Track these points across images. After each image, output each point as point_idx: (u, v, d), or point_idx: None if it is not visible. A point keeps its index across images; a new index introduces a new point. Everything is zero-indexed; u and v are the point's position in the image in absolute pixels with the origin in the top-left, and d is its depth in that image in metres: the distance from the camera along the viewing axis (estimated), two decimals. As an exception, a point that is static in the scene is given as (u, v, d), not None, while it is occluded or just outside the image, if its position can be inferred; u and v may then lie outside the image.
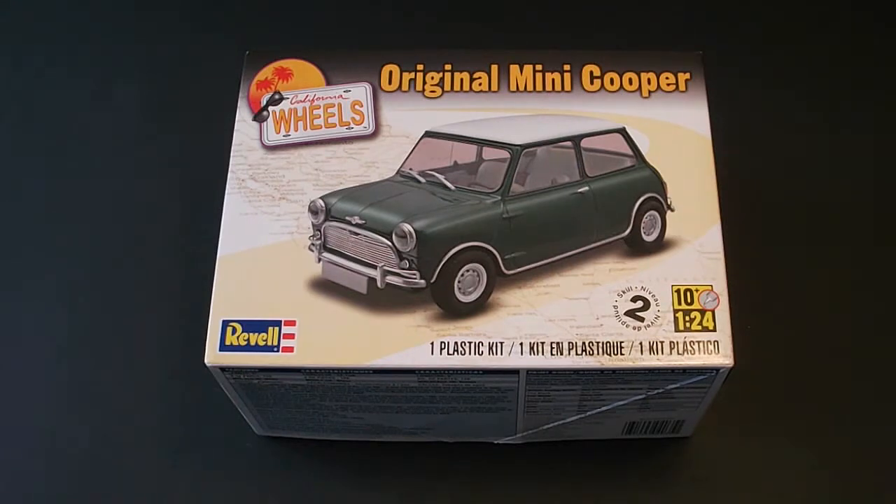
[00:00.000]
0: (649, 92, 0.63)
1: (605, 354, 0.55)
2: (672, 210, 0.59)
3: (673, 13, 0.84)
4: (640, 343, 0.56)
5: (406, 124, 0.62)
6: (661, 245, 0.58)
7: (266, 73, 0.64)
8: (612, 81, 0.63)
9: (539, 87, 0.63)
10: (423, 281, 0.57)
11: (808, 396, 0.68)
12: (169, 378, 0.70)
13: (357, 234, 0.59)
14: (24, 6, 0.86)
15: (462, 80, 0.63)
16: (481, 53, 0.64)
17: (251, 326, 0.56)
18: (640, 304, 0.56)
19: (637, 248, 0.59)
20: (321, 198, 0.59)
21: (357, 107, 0.62)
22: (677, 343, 0.56)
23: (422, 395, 0.59)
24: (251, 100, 0.63)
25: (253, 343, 0.56)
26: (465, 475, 0.66)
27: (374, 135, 0.62)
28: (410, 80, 0.63)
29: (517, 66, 0.63)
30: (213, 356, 0.56)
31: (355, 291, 0.57)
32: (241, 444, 0.68)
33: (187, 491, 0.67)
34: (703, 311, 0.56)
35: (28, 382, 0.70)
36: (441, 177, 0.61)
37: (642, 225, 0.61)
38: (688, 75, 0.63)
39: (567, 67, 0.63)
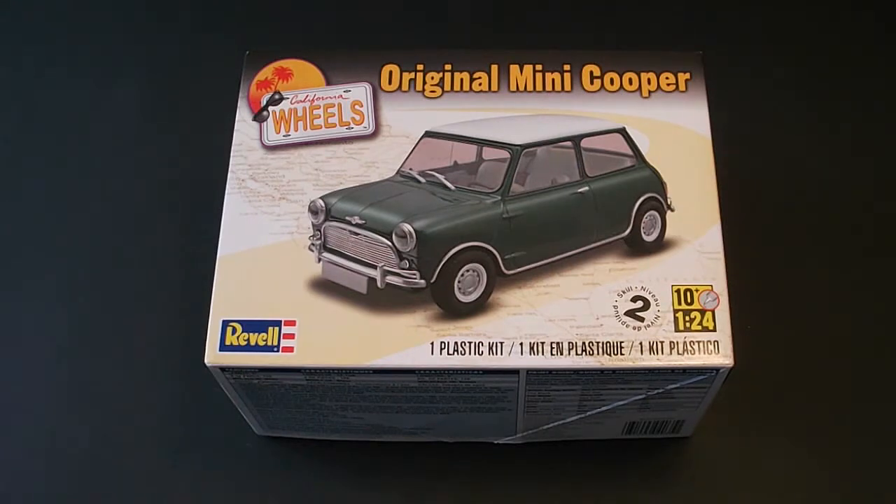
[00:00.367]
0: (649, 92, 0.63)
1: (605, 354, 0.55)
2: (672, 210, 0.59)
3: (673, 13, 0.84)
4: (640, 343, 0.56)
5: (406, 124, 0.62)
6: (661, 245, 0.58)
7: (266, 73, 0.64)
8: (612, 81, 0.63)
9: (539, 87, 0.63)
10: (423, 281, 0.57)
11: (808, 396, 0.68)
12: (169, 378, 0.70)
13: (357, 234, 0.59)
14: (24, 6, 0.86)
15: (462, 80, 0.63)
16: (481, 53, 0.64)
17: (251, 326, 0.56)
18: (640, 304, 0.56)
19: (637, 248, 0.59)
20: (321, 198, 0.59)
21: (357, 107, 0.62)
22: (677, 343, 0.56)
23: (422, 395, 0.59)
24: (251, 100, 0.63)
25: (253, 343, 0.56)
26: (465, 475, 0.66)
27: (374, 135, 0.62)
28: (410, 80, 0.63)
29: (517, 66, 0.63)
30: (213, 356, 0.56)
31: (355, 291, 0.57)
32: (241, 444, 0.68)
33: (187, 491, 0.67)
34: (703, 311, 0.56)
35: (28, 382, 0.70)
36: (441, 177, 0.61)
37: (642, 225, 0.61)
38: (688, 75, 0.63)
39: (567, 67, 0.63)
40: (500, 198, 0.59)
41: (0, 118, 0.81)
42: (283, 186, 0.60)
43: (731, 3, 0.85)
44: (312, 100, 0.63)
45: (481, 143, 0.61)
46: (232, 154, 0.61)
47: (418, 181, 0.60)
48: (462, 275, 0.57)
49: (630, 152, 0.61)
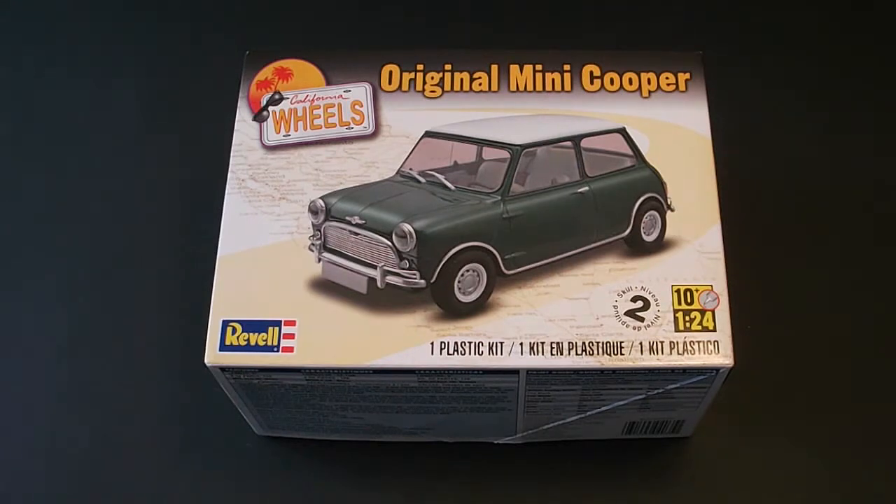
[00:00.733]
0: (649, 92, 0.63)
1: (605, 354, 0.55)
2: (672, 210, 0.59)
3: (673, 13, 0.84)
4: (640, 343, 0.56)
5: (406, 124, 0.62)
6: (661, 245, 0.58)
7: (266, 73, 0.64)
8: (612, 81, 0.63)
9: (539, 87, 0.63)
10: (423, 281, 0.57)
11: (808, 396, 0.68)
12: (169, 378, 0.70)
13: (357, 234, 0.59)
14: (24, 6, 0.86)
15: (462, 80, 0.63)
16: (481, 53, 0.64)
17: (251, 326, 0.56)
18: (640, 304, 0.56)
19: (637, 248, 0.59)
20: (321, 198, 0.59)
21: (357, 107, 0.62)
22: (677, 343, 0.56)
23: (422, 395, 0.59)
24: (251, 100, 0.63)
25: (253, 343, 0.56)
26: (465, 475, 0.66)
27: (374, 135, 0.62)
28: (410, 80, 0.63)
29: (517, 66, 0.63)
30: (213, 356, 0.56)
31: (355, 291, 0.57)
32: (241, 444, 0.68)
33: (187, 491, 0.67)
34: (703, 311, 0.56)
35: (28, 382, 0.70)
36: (441, 177, 0.61)
37: (642, 225, 0.61)
38: (688, 75, 0.63)
39: (567, 67, 0.63)
40: (500, 198, 0.59)
41: (0, 118, 0.81)
42: (283, 186, 0.60)
43: (731, 3, 0.85)
44: (312, 100, 0.63)
45: (481, 143, 0.61)
46: (232, 154, 0.61)
47: (418, 181, 0.60)
48: (462, 275, 0.57)
49: (630, 152, 0.61)
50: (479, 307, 0.57)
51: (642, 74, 0.63)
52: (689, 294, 0.57)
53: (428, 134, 0.61)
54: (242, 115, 0.63)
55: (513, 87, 0.63)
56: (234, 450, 0.67)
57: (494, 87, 0.63)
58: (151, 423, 0.69)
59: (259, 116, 0.63)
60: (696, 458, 0.67)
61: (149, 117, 0.80)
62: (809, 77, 0.81)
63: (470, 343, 0.56)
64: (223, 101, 0.67)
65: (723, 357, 0.55)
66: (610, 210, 0.61)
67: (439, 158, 0.61)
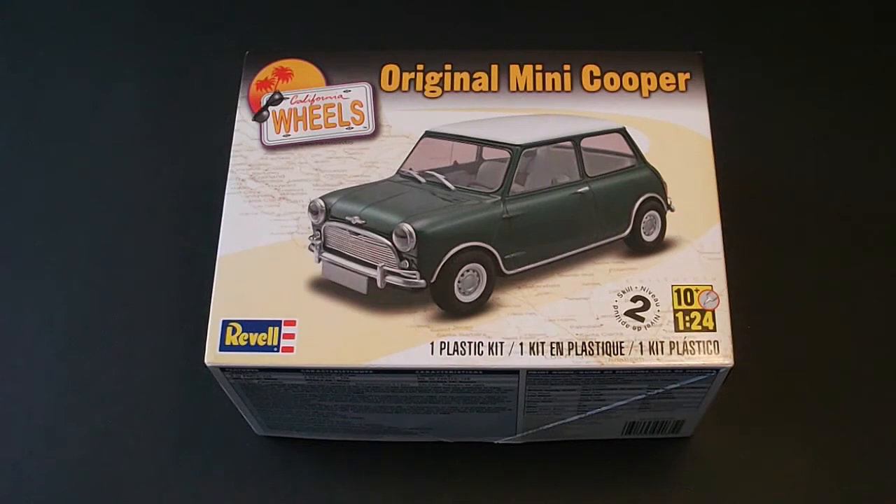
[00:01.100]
0: (649, 92, 0.63)
1: (605, 354, 0.55)
2: (672, 210, 0.59)
3: (673, 13, 0.84)
4: (640, 343, 0.56)
5: (406, 124, 0.62)
6: (661, 245, 0.58)
7: (266, 73, 0.64)
8: (612, 81, 0.63)
9: (539, 87, 0.63)
10: (423, 281, 0.57)
11: (808, 396, 0.68)
12: (169, 378, 0.70)
13: (357, 234, 0.59)
14: (24, 6, 0.86)
15: (462, 80, 0.63)
16: (481, 53, 0.64)
17: (251, 326, 0.56)
18: (640, 304, 0.56)
19: (637, 248, 0.59)
20: (321, 198, 0.59)
21: (357, 107, 0.62)
22: (677, 343, 0.56)
23: (422, 395, 0.59)
24: (251, 100, 0.63)
25: (253, 343, 0.56)
26: (465, 475, 0.66)
27: (374, 135, 0.62)
28: (410, 80, 0.63)
29: (517, 66, 0.63)
30: (213, 356, 0.56)
31: (355, 291, 0.57)
32: (241, 444, 0.68)
33: (187, 491, 0.67)
34: (703, 311, 0.56)
35: (28, 382, 0.70)
36: (441, 177, 0.61)
37: (642, 225, 0.61)
38: (688, 75, 0.63)
39: (567, 67, 0.63)
40: (500, 198, 0.59)
41: (0, 118, 0.81)
42: (283, 186, 0.60)
43: (731, 3, 0.85)
44: (312, 100, 0.63)
45: (481, 143, 0.61)
46: (232, 154, 0.61)
47: (418, 181, 0.60)
48: (462, 275, 0.57)
49: (630, 152, 0.61)
50: (479, 307, 0.57)
51: (642, 74, 0.63)
52: (689, 294, 0.57)
53: (428, 134, 0.61)
54: (242, 115, 0.63)
55: (513, 87, 0.63)
56: (234, 450, 0.67)
57: (494, 87, 0.63)
58: (151, 422, 0.69)
59: (259, 116, 0.63)
60: (696, 458, 0.67)
61: (149, 117, 0.80)
62: (809, 77, 0.81)
63: (470, 343, 0.56)
64: (223, 101, 0.67)
65: (723, 357, 0.55)
66: (610, 210, 0.61)
67: (439, 158, 0.61)
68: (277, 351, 0.56)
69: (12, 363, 0.71)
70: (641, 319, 0.56)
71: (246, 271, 0.58)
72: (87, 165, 0.78)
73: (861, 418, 0.68)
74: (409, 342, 0.56)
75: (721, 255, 0.58)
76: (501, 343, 0.56)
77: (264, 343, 0.56)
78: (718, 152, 0.60)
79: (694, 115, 0.61)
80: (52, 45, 0.84)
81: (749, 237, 0.71)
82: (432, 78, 0.63)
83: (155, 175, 0.78)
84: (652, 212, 0.60)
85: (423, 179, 0.61)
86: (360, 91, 0.63)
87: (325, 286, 0.58)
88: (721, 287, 0.57)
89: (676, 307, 0.56)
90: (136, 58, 0.83)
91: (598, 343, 0.56)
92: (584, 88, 0.63)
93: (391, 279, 0.57)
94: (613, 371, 0.56)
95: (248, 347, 0.56)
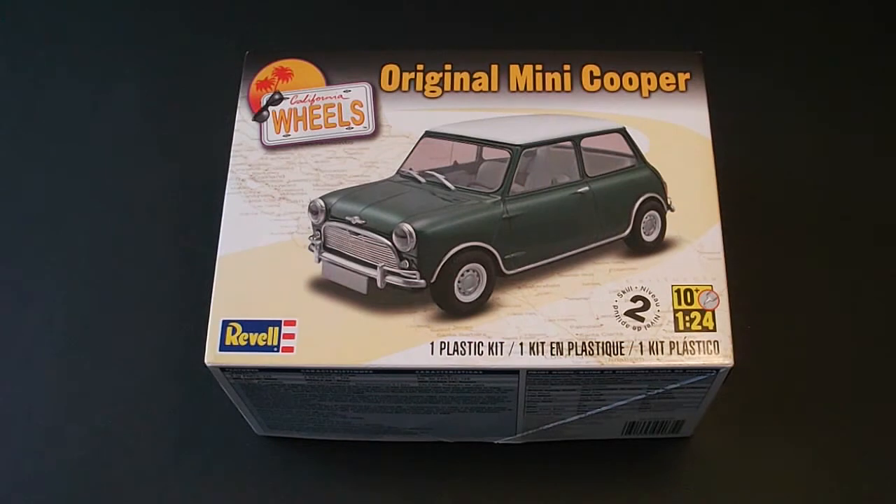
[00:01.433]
0: (649, 92, 0.63)
1: (605, 354, 0.55)
2: (672, 210, 0.59)
3: (673, 13, 0.84)
4: (640, 343, 0.56)
5: (406, 124, 0.62)
6: (661, 245, 0.58)
7: (266, 73, 0.64)
8: (612, 81, 0.63)
9: (539, 87, 0.63)
10: (423, 281, 0.57)
11: (808, 396, 0.68)
12: (169, 378, 0.70)
13: (357, 234, 0.59)
14: (24, 6, 0.86)
15: (462, 80, 0.63)
16: (481, 53, 0.64)
17: (251, 326, 0.56)
18: (640, 304, 0.56)
19: (637, 248, 0.59)
20: (321, 198, 0.59)
21: (357, 107, 0.62)
22: (677, 343, 0.56)
23: (422, 395, 0.59)
24: (251, 100, 0.63)
25: (253, 343, 0.56)
26: (465, 475, 0.66)
27: (374, 135, 0.62)
28: (410, 80, 0.63)
29: (517, 66, 0.63)
30: (213, 356, 0.56)
31: (355, 291, 0.57)
32: (241, 444, 0.68)
33: (187, 491, 0.67)
34: (703, 311, 0.56)
35: (28, 382, 0.70)
36: (441, 177, 0.61)
37: (642, 225, 0.61)
38: (688, 75, 0.63)
39: (567, 67, 0.63)
40: (500, 198, 0.59)
41: (0, 118, 0.81)
42: (283, 186, 0.60)
43: (731, 3, 0.85)
44: (312, 100, 0.63)
45: (481, 143, 0.61)
46: (232, 154, 0.61)
47: (418, 181, 0.60)
48: (462, 275, 0.57)
49: (630, 152, 0.61)
50: (479, 307, 0.57)
51: (642, 74, 0.63)
52: (689, 294, 0.57)
53: (428, 134, 0.61)
54: (242, 115, 0.63)
55: (513, 87, 0.63)
56: (234, 450, 0.67)
57: (494, 87, 0.63)
58: (151, 422, 0.69)
59: (259, 116, 0.63)
60: (696, 458, 0.67)
61: (149, 117, 0.80)
62: (809, 77, 0.81)
63: (470, 343, 0.56)
64: (223, 102, 0.67)
65: (723, 357, 0.55)
66: (610, 210, 0.61)
67: (439, 158, 0.61)
68: (277, 351, 0.56)
69: (12, 363, 0.71)
70: (641, 319, 0.56)
71: (246, 271, 0.58)
72: (87, 165, 0.78)
73: (861, 418, 0.68)
74: (409, 342, 0.56)
75: (721, 255, 0.58)
76: (501, 343, 0.56)
77: (264, 343, 0.56)
78: (718, 152, 0.60)
79: (694, 115, 0.61)
80: (52, 45, 0.84)
81: (749, 237, 0.71)
82: (432, 78, 0.63)
83: (155, 175, 0.78)
84: (652, 212, 0.60)
85: (423, 179, 0.61)
86: (360, 91, 0.63)
87: (325, 286, 0.58)
88: (721, 287, 0.57)
89: (676, 307, 0.56)
90: (136, 58, 0.83)
91: (598, 343, 0.56)
92: (584, 88, 0.63)
93: (391, 279, 0.57)
94: (613, 371, 0.56)
95: (248, 347, 0.56)
